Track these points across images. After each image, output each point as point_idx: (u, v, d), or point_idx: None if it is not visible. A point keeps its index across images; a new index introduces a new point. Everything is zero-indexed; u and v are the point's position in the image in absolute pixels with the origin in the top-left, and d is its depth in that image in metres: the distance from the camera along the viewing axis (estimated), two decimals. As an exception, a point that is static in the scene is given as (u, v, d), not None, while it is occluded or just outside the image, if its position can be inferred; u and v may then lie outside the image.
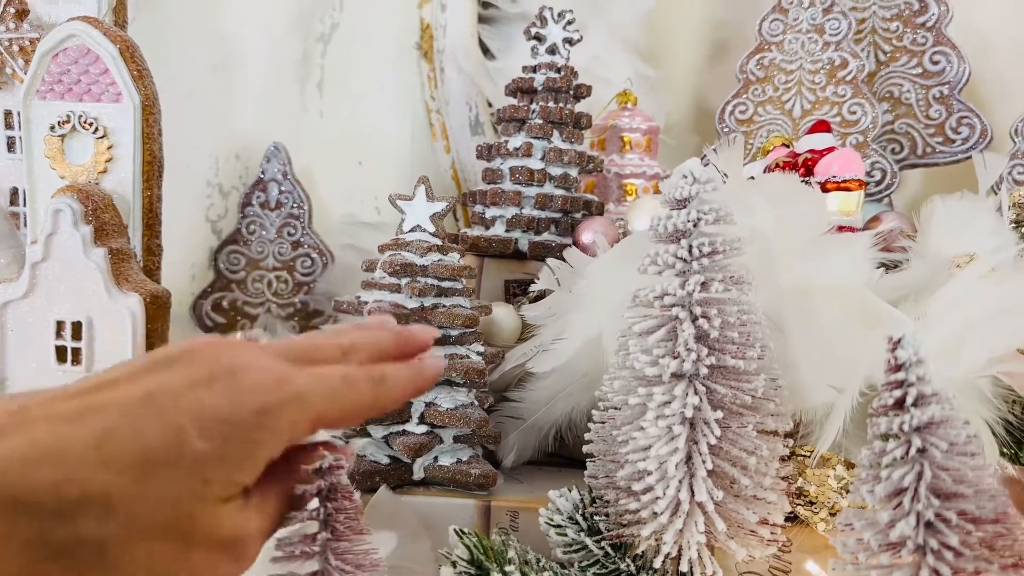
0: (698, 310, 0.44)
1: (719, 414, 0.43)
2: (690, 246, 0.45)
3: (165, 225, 0.68)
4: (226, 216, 0.95)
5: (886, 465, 0.36)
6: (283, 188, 0.82)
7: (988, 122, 0.84)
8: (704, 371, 0.44)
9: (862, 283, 0.50)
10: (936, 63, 0.86)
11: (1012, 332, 0.44)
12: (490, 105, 0.95)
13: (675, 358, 0.44)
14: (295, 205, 0.82)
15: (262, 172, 0.82)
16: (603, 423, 0.48)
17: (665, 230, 0.46)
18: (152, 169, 0.57)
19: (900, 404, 0.36)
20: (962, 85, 0.85)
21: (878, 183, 0.81)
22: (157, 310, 0.55)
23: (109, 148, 0.56)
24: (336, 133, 0.99)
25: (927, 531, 0.35)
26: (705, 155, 0.56)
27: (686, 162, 0.47)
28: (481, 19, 0.97)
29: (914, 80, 0.87)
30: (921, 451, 0.35)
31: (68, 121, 0.56)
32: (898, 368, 0.36)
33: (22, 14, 0.60)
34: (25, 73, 0.56)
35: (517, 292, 0.72)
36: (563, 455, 0.63)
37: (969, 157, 0.85)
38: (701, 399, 0.44)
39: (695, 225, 0.45)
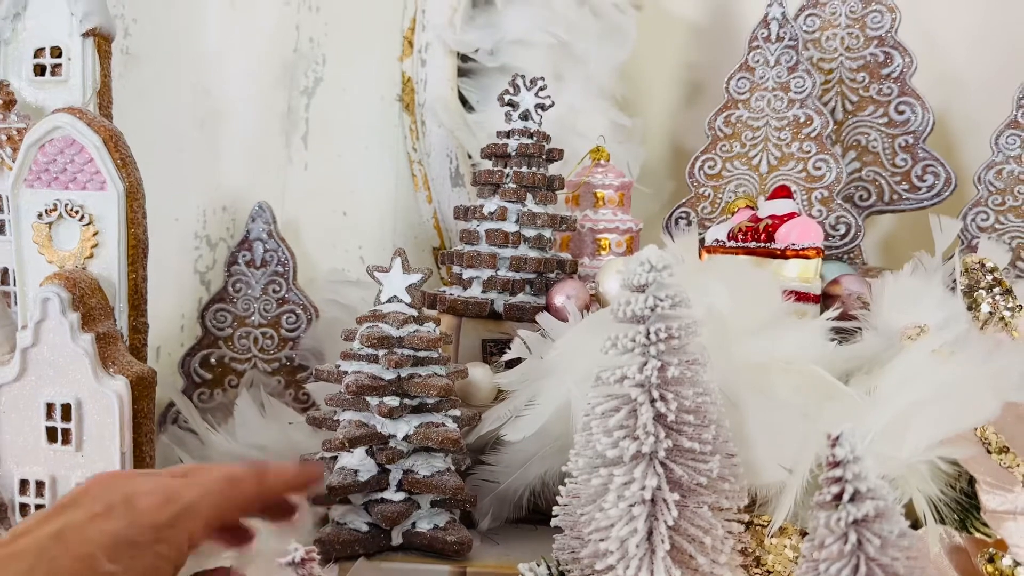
0: (656, 393, 0.47)
1: (676, 495, 0.46)
2: (648, 331, 0.47)
3: (155, 277, 0.70)
4: (214, 268, 0.97)
5: (824, 558, 0.38)
6: (268, 247, 0.84)
7: (952, 170, 0.87)
8: (662, 453, 0.46)
9: (815, 358, 0.53)
10: (901, 113, 0.89)
11: (954, 415, 0.47)
12: (470, 157, 0.97)
13: (635, 440, 0.46)
14: (280, 263, 0.84)
15: (247, 231, 0.85)
16: (568, 500, 0.51)
17: (625, 315, 0.48)
18: (137, 252, 0.59)
19: (838, 498, 0.39)
20: (926, 134, 0.88)
21: (843, 236, 0.83)
22: (143, 391, 0.57)
23: (95, 234, 0.58)
24: (321, 184, 1.01)
25: (862, 623, 0.37)
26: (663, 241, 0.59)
27: (644, 249, 0.49)
28: (461, 72, 0.99)
29: (880, 129, 0.90)
30: (857, 545, 0.38)
31: (55, 209, 0.58)
32: (836, 465, 0.39)
33: (9, 104, 0.62)
34: (13, 162, 0.58)
35: (494, 351, 0.74)
36: (539, 511, 0.65)
37: (935, 204, 0.88)
38: (660, 480, 0.46)
39: (653, 310, 0.47)
